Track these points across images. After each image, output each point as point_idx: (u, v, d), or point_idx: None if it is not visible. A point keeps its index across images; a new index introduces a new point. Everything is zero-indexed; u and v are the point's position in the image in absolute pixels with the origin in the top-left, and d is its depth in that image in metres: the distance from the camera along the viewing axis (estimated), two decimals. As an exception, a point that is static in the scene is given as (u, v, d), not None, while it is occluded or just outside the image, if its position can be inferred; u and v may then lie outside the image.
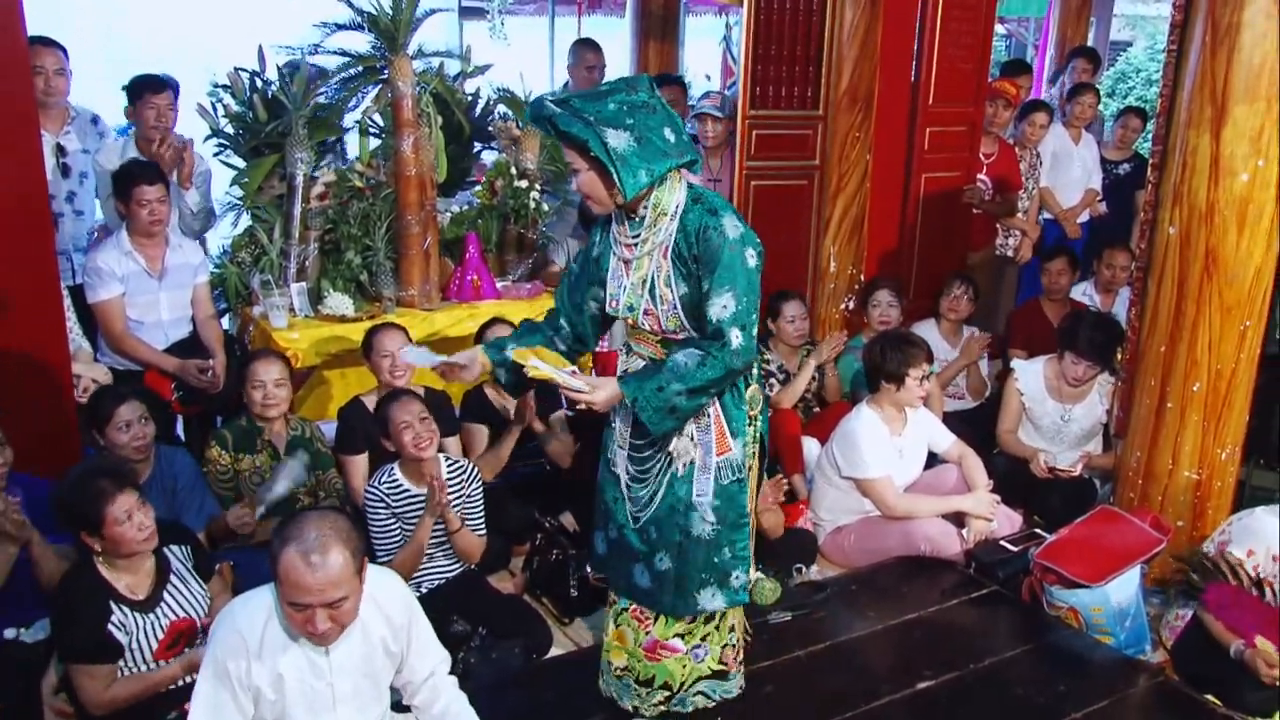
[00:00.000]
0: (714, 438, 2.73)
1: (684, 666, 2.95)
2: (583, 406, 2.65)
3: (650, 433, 2.69)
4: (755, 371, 2.80)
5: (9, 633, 3.22)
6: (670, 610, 2.84)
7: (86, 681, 2.87)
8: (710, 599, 2.82)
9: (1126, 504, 4.06)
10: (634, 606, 2.91)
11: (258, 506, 3.57)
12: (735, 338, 2.54)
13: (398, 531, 3.58)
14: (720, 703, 3.06)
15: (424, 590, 3.61)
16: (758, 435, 2.85)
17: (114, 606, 2.88)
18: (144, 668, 2.94)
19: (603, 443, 2.93)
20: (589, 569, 3.32)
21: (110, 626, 2.87)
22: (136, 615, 2.91)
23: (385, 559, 3.48)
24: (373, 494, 3.59)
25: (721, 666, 3.03)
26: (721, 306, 2.54)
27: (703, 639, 2.94)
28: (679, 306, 2.63)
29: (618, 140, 2.47)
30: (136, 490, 2.93)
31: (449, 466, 3.69)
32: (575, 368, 2.71)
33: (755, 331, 2.62)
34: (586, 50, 6.03)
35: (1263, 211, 3.65)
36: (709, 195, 2.65)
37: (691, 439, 2.73)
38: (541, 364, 2.63)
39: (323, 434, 4.17)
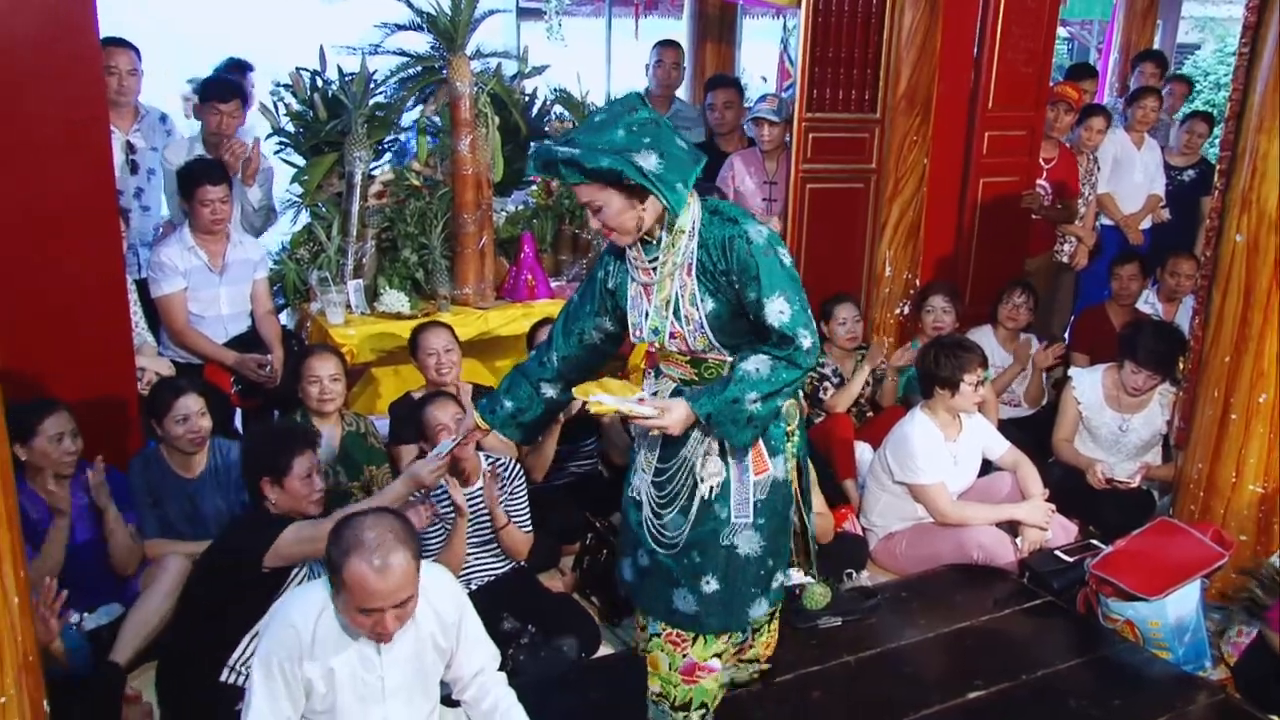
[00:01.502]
0: (751, 457, 2.68)
1: (719, 684, 2.93)
2: (655, 433, 2.61)
3: (673, 457, 2.68)
4: None
5: (73, 617, 3.30)
6: (720, 629, 2.80)
7: (292, 533, 2.98)
8: (758, 607, 2.81)
9: (1187, 516, 3.98)
10: (670, 631, 2.84)
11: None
12: (805, 338, 2.52)
13: (439, 531, 3.60)
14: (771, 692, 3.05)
15: (474, 587, 3.64)
16: (796, 451, 2.81)
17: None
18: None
19: (626, 469, 2.90)
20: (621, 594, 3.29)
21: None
22: None
23: (426, 559, 3.50)
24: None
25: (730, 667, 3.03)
26: (779, 312, 2.50)
27: (736, 655, 2.94)
28: (704, 324, 2.58)
29: (647, 162, 2.41)
30: (317, 456, 3.18)
31: (489, 463, 3.72)
32: (643, 393, 2.66)
33: (815, 326, 2.59)
34: (667, 49, 6.16)
35: (1334, 219, 3.57)
36: (724, 206, 2.62)
37: (723, 458, 2.67)
38: (606, 398, 2.60)
39: (376, 429, 4.22)
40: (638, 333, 2.70)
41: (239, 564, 3.01)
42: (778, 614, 3.09)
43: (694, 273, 2.56)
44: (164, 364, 4.29)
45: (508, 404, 2.88)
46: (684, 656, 2.84)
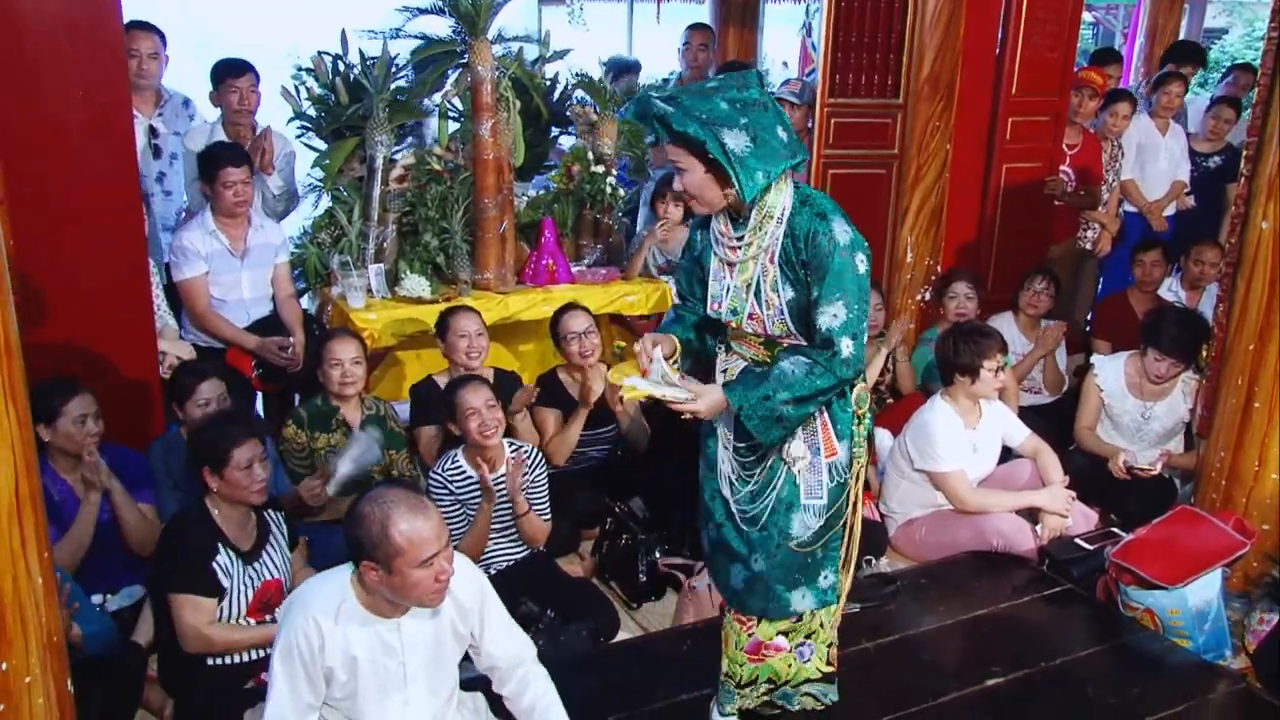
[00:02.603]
0: (821, 441, 2.67)
1: (789, 665, 2.90)
2: (688, 417, 2.60)
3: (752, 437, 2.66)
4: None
5: (95, 598, 3.34)
6: (761, 611, 2.79)
7: (189, 613, 3.01)
8: (800, 599, 2.77)
9: (1208, 505, 3.96)
10: (734, 610, 2.85)
11: (330, 477, 3.64)
12: (846, 347, 2.48)
13: (461, 516, 3.62)
14: (829, 707, 3.01)
15: (493, 572, 3.66)
16: (866, 436, 2.79)
17: (221, 549, 3.07)
18: (236, 623, 3.10)
19: (702, 439, 2.87)
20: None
21: (215, 566, 3.04)
22: (239, 564, 3.09)
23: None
24: (436, 479, 3.64)
25: (830, 668, 2.98)
26: (832, 315, 2.47)
27: (807, 637, 2.89)
28: (785, 311, 2.55)
29: (735, 141, 2.38)
30: (262, 445, 3.16)
31: (512, 450, 3.73)
32: (677, 378, 2.63)
33: (865, 340, 2.54)
34: (697, 32, 6.22)
35: (1362, 206, 3.53)
36: (817, 197, 2.57)
37: (805, 442, 2.67)
38: (639, 383, 2.58)
39: (396, 413, 4.24)
40: (715, 306, 2.68)
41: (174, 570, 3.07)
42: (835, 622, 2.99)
43: (776, 260, 2.54)
44: (185, 348, 4.32)
45: (679, 331, 2.80)
46: (749, 636, 2.84)
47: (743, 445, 2.71)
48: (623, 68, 6.46)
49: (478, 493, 3.60)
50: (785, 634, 2.85)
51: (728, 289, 2.63)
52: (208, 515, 3.11)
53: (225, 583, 3.06)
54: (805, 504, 2.68)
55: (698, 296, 2.80)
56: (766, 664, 2.86)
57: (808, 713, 3.00)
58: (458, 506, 3.62)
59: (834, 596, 2.82)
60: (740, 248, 2.57)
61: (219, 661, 3.08)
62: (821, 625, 2.90)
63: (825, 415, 2.66)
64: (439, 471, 3.65)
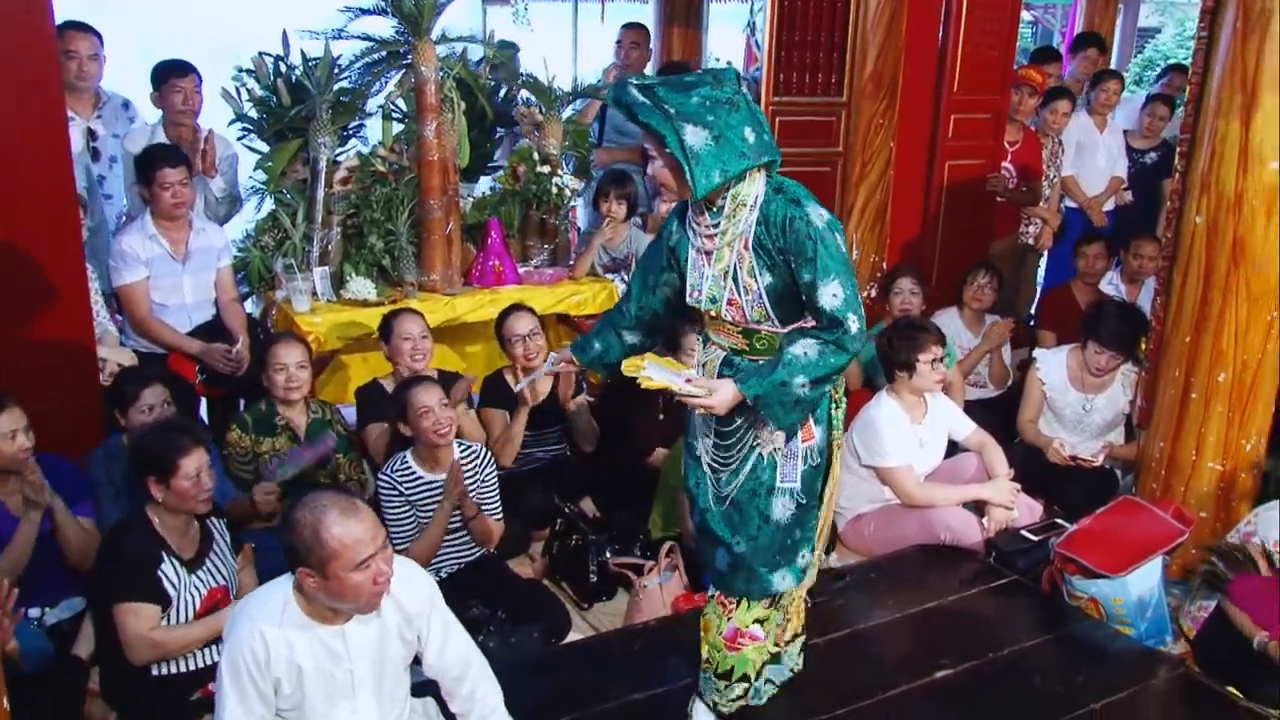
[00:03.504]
0: (800, 424, 2.71)
1: (760, 654, 2.93)
2: (701, 412, 2.63)
3: (733, 420, 2.69)
4: None
5: (34, 612, 3.27)
6: (744, 592, 2.82)
7: (132, 620, 2.95)
8: (782, 580, 2.81)
9: (1149, 495, 4.04)
10: (718, 593, 2.89)
11: (279, 475, 3.60)
12: (853, 323, 2.52)
13: (412, 519, 3.60)
14: (782, 704, 3.04)
15: (443, 575, 3.63)
16: (841, 420, 2.85)
17: (165, 558, 3.02)
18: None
19: (686, 428, 2.92)
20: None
21: (160, 574, 2.99)
22: (183, 572, 3.05)
23: (401, 547, 3.50)
24: (385, 482, 3.61)
25: (776, 648, 3.02)
26: (831, 295, 2.51)
27: (775, 625, 2.93)
28: (763, 296, 2.60)
29: (695, 138, 2.43)
30: (209, 454, 3.11)
31: (462, 451, 3.71)
32: (692, 372, 2.67)
33: (863, 312, 2.60)
34: (630, 30, 6.37)
35: (1291, 201, 3.61)
36: (790, 185, 2.61)
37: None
38: (655, 373, 2.60)
39: (342, 417, 4.20)
40: (695, 295, 2.71)
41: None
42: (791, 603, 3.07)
43: (751, 246, 2.58)
44: (126, 354, 4.24)
45: (596, 345, 3.01)
46: (728, 620, 2.86)
47: (723, 430, 2.75)
48: None
49: (429, 494, 3.58)
50: (761, 622, 2.88)
51: (706, 277, 2.67)
52: (149, 524, 3.06)
53: (171, 592, 3.01)
54: (780, 487, 2.73)
55: (649, 286, 2.87)
56: (741, 654, 2.89)
57: (761, 707, 3.02)
58: (408, 509, 3.59)
59: (809, 574, 2.89)
60: (716, 235, 2.62)
61: (163, 671, 3.02)
62: (778, 608, 2.93)
63: None
64: (388, 473, 3.62)
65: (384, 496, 3.59)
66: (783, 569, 2.80)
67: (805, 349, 2.53)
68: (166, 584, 3.00)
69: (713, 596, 2.91)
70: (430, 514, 3.58)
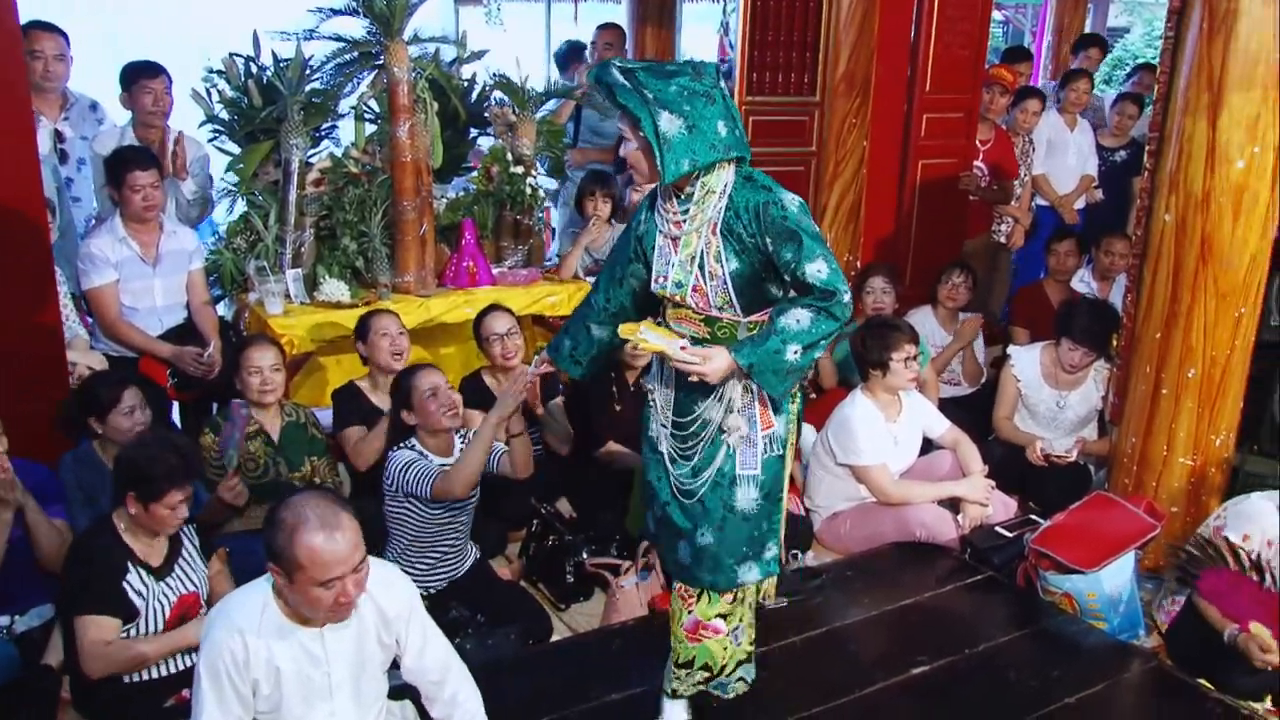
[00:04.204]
0: (758, 413, 2.73)
1: (725, 649, 2.92)
2: (695, 378, 2.63)
3: (691, 411, 2.71)
4: None
5: (3, 619, 3.23)
6: (710, 585, 2.82)
7: (92, 633, 2.89)
8: (748, 571, 2.82)
9: (1121, 490, 4.07)
10: (680, 585, 2.89)
11: (229, 462, 3.58)
12: (844, 292, 2.57)
13: (439, 470, 3.53)
14: (759, 702, 3.04)
15: (433, 591, 3.60)
16: (799, 411, 2.86)
17: (131, 567, 2.97)
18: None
19: (642, 422, 2.92)
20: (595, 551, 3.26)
21: (125, 586, 2.94)
22: (151, 581, 3.00)
23: (438, 478, 3.44)
24: (403, 450, 3.58)
25: (751, 647, 3.02)
26: (817, 270, 2.54)
27: (740, 620, 2.93)
28: (729, 282, 2.62)
29: (669, 125, 2.47)
30: (192, 485, 3.04)
31: (462, 439, 3.70)
32: (686, 340, 2.68)
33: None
34: (605, 31, 6.43)
35: (1258, 198, 3.66)
36: (758, 174, 2.66)
37: (740, 414, 2.72)
38: (651, 336, 2.63)
39: (317, 419, 4.17)
40: (660, 281, 2.73)
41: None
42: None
43: (719, 231, 2.61)
44: (96, 357, 4.19)
45: (566, 343, 3.04)
46: (689, 613, 2.87)
47: (680, 421, 2.76)
48: (572, 53, 6.68)
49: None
50: (724, 616, 2.88)
51: (672, 263, 2.69)
52: (115, 533, 3.01)
53: (138, 603, 2.96)
54: (740, 475, 2.73)
55: (616, 278, 2.90)
56: (703, 645, 2.89)
57: (739, 707, 3.02)
58: (429, 471, 3.53)
59: (775, 566, 2.88)
60: (684, 221, 2.64)
61: (136, 679, 2.99)
62: (748, 606, 2.93)
63: (761, 389, 2.71)
64: (404, 446, 3.60)
65: (403, 461, 3.52)
66: (750, 561, 2.80)
67: (798, 318, 2.56)
68: (132, 594, 2.95)
69: (675, 589, 2.91)
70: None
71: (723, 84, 2.61)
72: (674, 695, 2.96)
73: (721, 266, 2.62)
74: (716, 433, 2.73)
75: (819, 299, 2.56)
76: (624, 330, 2.71)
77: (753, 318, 2.66)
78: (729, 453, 2.73)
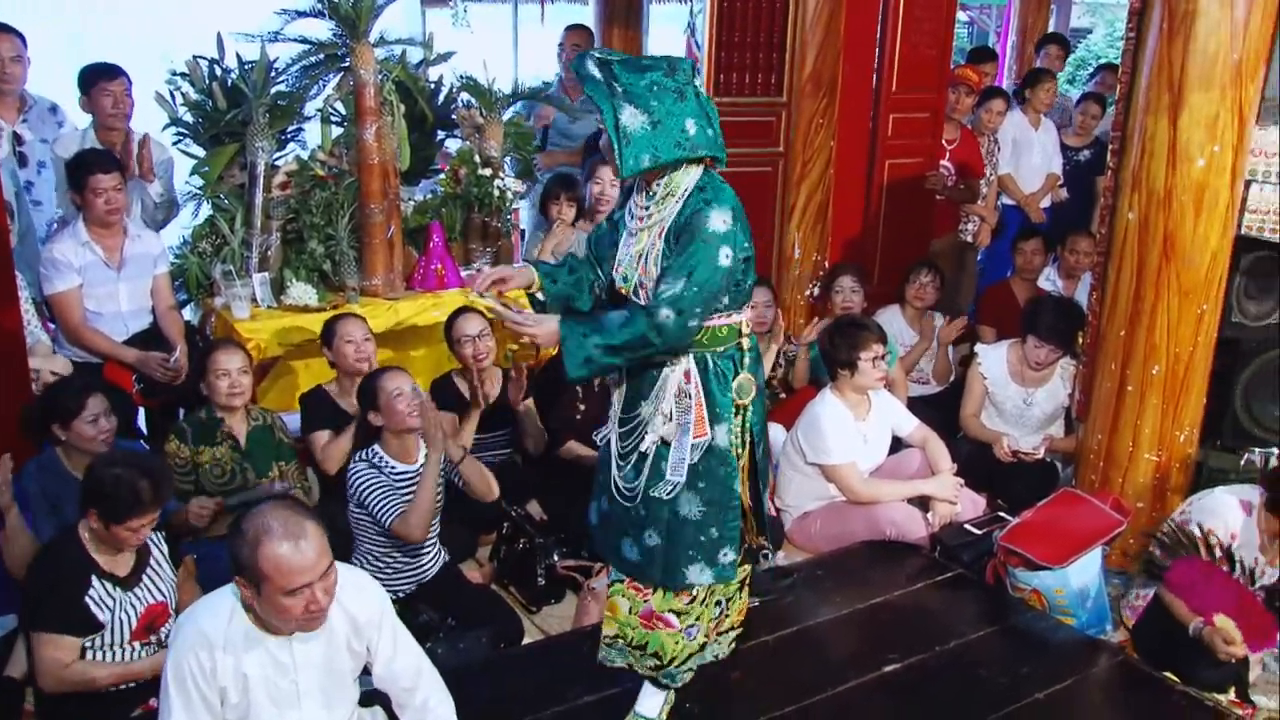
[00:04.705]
0: (693, 419, 2.70)
1: (676, 643, 2.91)
2: (525, 340, 2.65)
3: (635, 407, 2.71)
4: (747, 360, 2.77)
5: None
6: (660, 583, 2.82)
7: (50, 651, 2.85)
8: (699, 574, 2.80)
9: (1088, 486, 4.11)
10: (628, 579, 2.89)
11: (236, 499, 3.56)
12: (665, 315, 2.51)
13: (397, 498, 3.53)
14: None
15: (400, 595, 3.58)
16: (747, 424, 2.81)
17: (95, 581, 2.92)
18: (122, 650, 2.97)
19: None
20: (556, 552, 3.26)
21: (88, 600, 2.90)
22: (117, 592, 2.96)
23: (395, 519, 3.45)
24: (361, 465, 3.56)
25: (705, 640, 3.00)
26: (666, 285, 2.53)
27: (696, 619, 2.92)
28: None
29: (632, 120, 2.48)
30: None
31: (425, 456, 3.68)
32: (524, 308, 2.71)
33: (693, 325, 2.56)
34: (572, 33, 6.42)
35: (1218, 197, 3.70)
36: (717, 187, 2.62)
37: (669, 417, 2.70)
38: (486, 299, 2.68)
39: (284, 424, 4.14)
40: (617, 269, 2.74)
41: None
42: (748, 582, 3.06)
43: (664, 236, 2.61)
44: (60, 363, 4.14)
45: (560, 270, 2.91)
46: (644, 602, 2.86)
47: (624, 417, 2.76)
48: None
49: (406, 483, 3.55)
50: (678, 614, 2.88)
51: (626, 257, 2.71)
52: (80, 544, 2.96)
53: (103, 616, 2.92)
54: (671, 480, 2.71)
55: (590, 259, 2.90)
56: (655, 634, 2.89)
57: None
58: (390, 491, 3.53)
59: (732, 573, 2.85)
60: (645, 218, 2.65)
61: (103, 689, 2.95)
62: (704, 604, 2.91)
63: (701, 396, 2.70)
64: (365, 458, 3.58)
65: (362, 479, 3.52)
66: (700, 563, 2.78)
67: (617, 315, 2.58)
68: (96, 607, 2.91)
69: (620, 582, 2.91)
70: (410, 500, 3.51)
71: (698, 82, 2.61)
72: (630, 668, 2.95)
73: (656, 270, 2.62)
74: (654, 441, 2.71)
75: (646, 309, 2.55)
76: (470, 297, 2.73)
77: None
78: (661, 455, 2.71)
